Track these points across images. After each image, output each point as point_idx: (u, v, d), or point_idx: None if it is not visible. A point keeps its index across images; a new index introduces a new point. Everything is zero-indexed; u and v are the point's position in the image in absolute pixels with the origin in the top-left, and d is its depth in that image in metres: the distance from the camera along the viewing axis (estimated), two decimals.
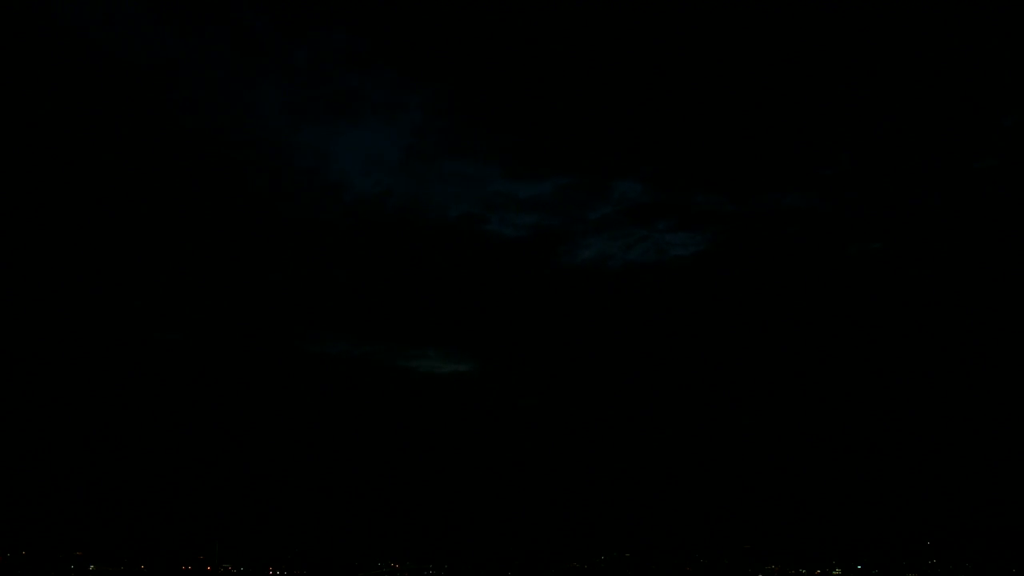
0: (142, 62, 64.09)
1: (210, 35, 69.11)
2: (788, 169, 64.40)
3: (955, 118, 58.06)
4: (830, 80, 61.40)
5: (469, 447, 55.39)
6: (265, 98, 73.94)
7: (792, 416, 53.79)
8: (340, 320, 65.08)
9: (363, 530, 48.38)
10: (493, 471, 53.97)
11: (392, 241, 66.88)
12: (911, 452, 48.13)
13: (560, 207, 74.28)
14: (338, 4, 64.61)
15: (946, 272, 56.16)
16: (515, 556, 47.74)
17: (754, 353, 58.24)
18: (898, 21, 56.70)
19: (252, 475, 49.45)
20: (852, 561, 43.14)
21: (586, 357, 62.67)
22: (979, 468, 45.11)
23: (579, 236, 69.96)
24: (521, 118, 69.87)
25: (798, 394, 55.25)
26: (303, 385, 57.15)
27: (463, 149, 74.32)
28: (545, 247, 66.37)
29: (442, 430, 56.53)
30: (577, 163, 73.37)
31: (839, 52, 59.62)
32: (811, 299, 59.39)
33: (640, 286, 63.17)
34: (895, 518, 44.72)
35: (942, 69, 57.12)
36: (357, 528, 48.38)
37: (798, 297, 59.79)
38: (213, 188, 66.01)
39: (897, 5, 56.27)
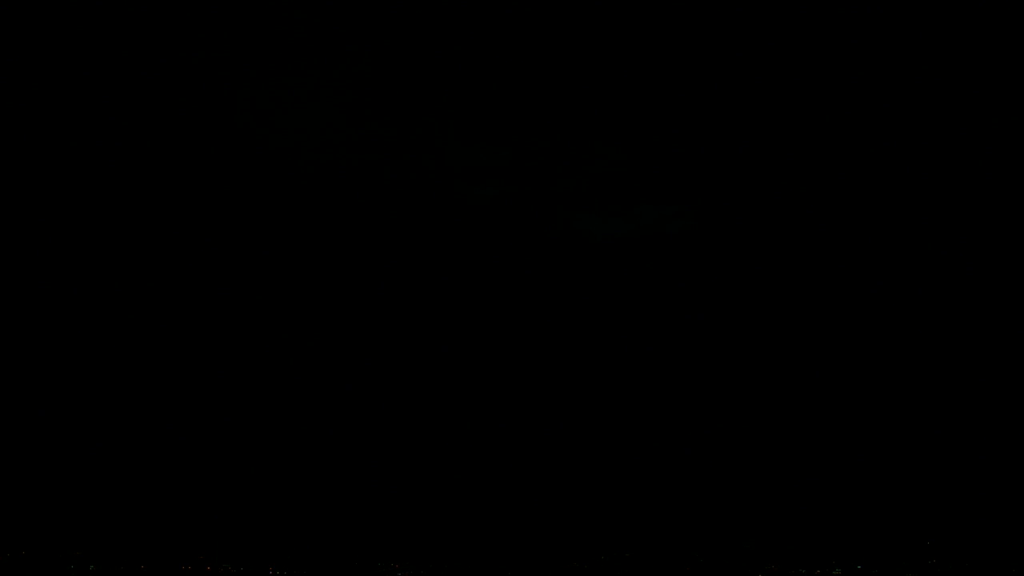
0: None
1: None
2: (783, 127, 60.45)
3: (980, 61, 53.02)
4: (834, 18, 55.67)
5: (466, 444, 55.52)
6: (189, 48, 64.93)
7: (792, 412, 53.83)
8: (309, 309, 63.18)
9: (363, 530, 48.50)
10: (492, 469, 54.12)
11: (350, 218, 62.92)
12: (911, 451, 48.18)
13: (522, 174, 68.33)
14: None
15: (961, 252, 53.37)
16: (515, 556, 47.80)
17: (754, 344, 57.90)
18: None
19: (252, 474, 49.62)
20: (852, 561, 43.10)
21: (579, 349, 62.13)
22: (979, 468, 45.14)
23: (548, 208, 66.42)
24: (473, 69, 64.18)
25: (798, 389, 55.19)
26: (289, 379, 56.75)
27: (411, 105, 67.01)
28: (516, 221, 63.14)
29: (437, 426, 56.64)
30: (538, 122, 67.59)
31: None
32: (811, 284, 57.89)
33: (629, 267, 60.65)
34: (895, 518, 44.76)
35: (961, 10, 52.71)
36: (357, 528, 48.49)
37: (797, 281, 58.13)
38: (144, 157, 60.31)
39: None
